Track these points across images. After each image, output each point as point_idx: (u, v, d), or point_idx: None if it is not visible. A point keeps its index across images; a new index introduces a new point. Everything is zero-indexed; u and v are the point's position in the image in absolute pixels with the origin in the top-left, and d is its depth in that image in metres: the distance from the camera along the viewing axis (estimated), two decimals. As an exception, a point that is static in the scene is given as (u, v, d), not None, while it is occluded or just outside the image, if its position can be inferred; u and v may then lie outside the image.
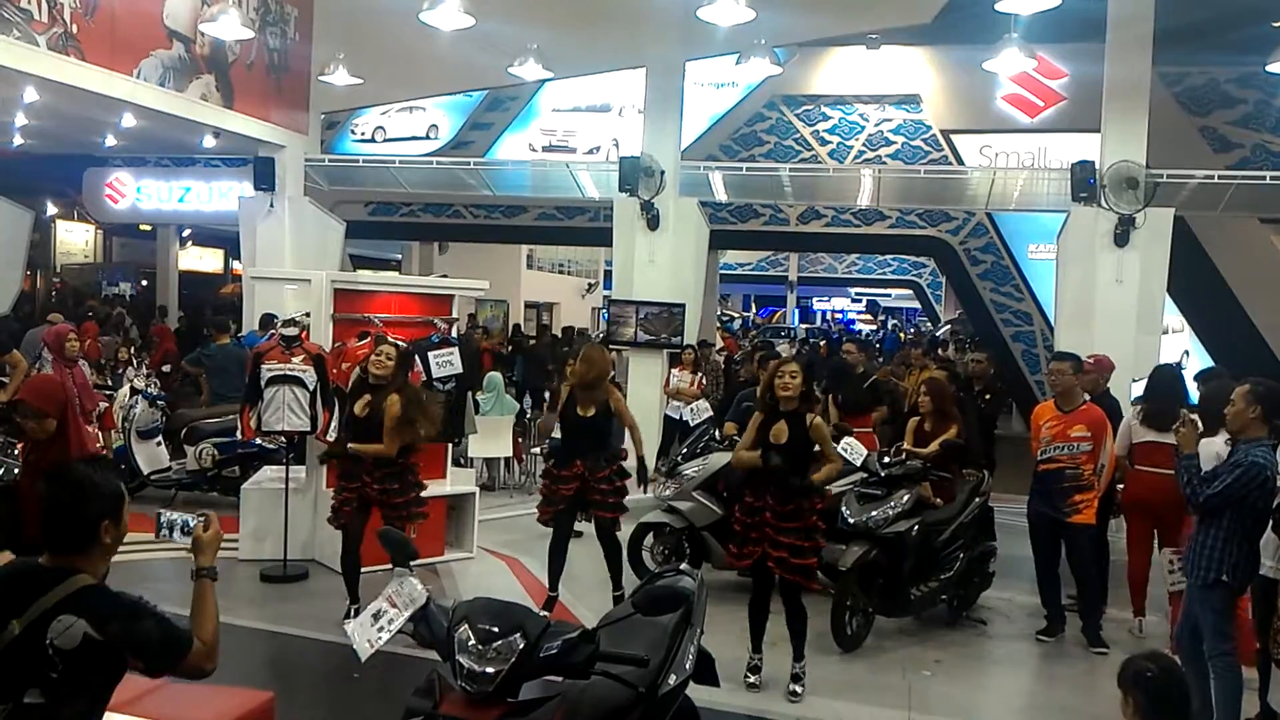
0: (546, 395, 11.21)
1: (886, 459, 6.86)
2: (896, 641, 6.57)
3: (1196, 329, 15.93)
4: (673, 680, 3.63)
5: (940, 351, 17.61)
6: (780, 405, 5.42)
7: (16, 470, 4.03)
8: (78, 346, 8.25)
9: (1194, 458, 5.01)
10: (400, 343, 6.92)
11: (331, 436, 7.50)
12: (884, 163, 16.66)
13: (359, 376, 6.56)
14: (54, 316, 12.22)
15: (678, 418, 10.81)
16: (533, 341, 19.18)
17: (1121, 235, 10.68)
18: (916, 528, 6.46)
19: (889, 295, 42.77)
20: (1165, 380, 6.96)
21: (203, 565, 2.90)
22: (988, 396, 8.54)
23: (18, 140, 16.25)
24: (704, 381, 11.50)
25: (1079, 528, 6.50)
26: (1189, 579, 5.09)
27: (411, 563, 3.46)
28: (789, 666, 5.67)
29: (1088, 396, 6.80)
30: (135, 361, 11.33)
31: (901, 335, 30.78)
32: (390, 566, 3.47)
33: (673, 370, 11.68)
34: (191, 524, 2.92)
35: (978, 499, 7.04)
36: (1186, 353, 15.86)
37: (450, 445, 8.38)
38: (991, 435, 8.39)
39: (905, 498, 6.54)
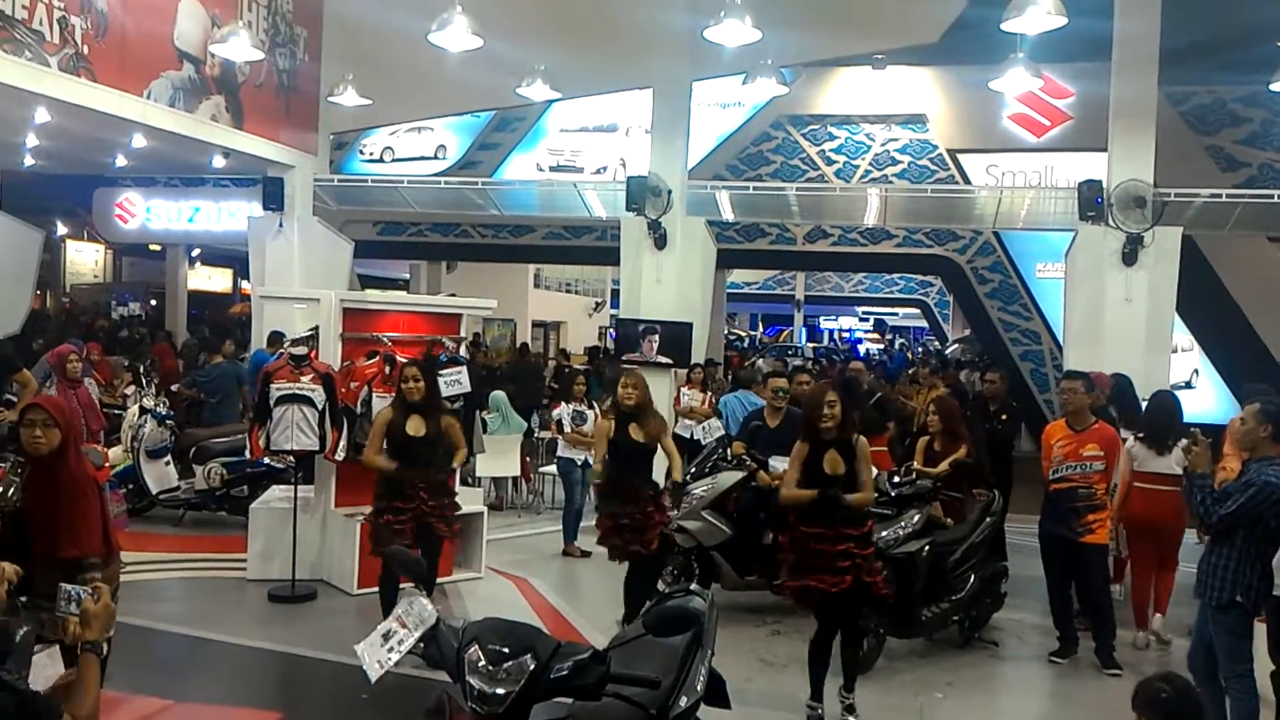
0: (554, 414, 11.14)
1: (896, 478, 6.83)
2: (908, 663, 6.52)
3: (1205, 348, 15.88)
4: (684, 702, 3.61)
5: (950, 371, 17.53)
6: (823, 435, 5.36)
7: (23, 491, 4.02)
8: (79, 367, 8.26)
9: (1206, 477, 4.98)
10: (404, 359, 6.97)
11: (340, 456, 7.51)
12: (890, 182, 16.68)
13: (397, 400, 6.49)
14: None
15: (689, 436, 10.75)
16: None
17: (1130, 254, 10.68)
18: (927, 548, 6.41)
19: (896, 314, 42.70)
20: (1160, 408, 7.05)
21: (88, 639, 2.81)
22: (1003, 417, 8.48)
23: (29, 160, 16.38)
24: (714, 400, 11.43)
25: (1092, 548, 6.45)
26: (1202, 600, 5.05)
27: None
28: (817, 692, 5.52)
29: None
30: (144, 381, 11.35)
31: (909, 355, 30.72)
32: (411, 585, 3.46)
33: (682, 389, 11.60)
34: (82, 596, 2.86)
35: (989, 519, 6.99)
36: (1196, 371, 15.82)
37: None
38: (1008, 456, 8.31)
39: (916, 518, 6.50)
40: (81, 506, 3.98)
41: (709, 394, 11.37)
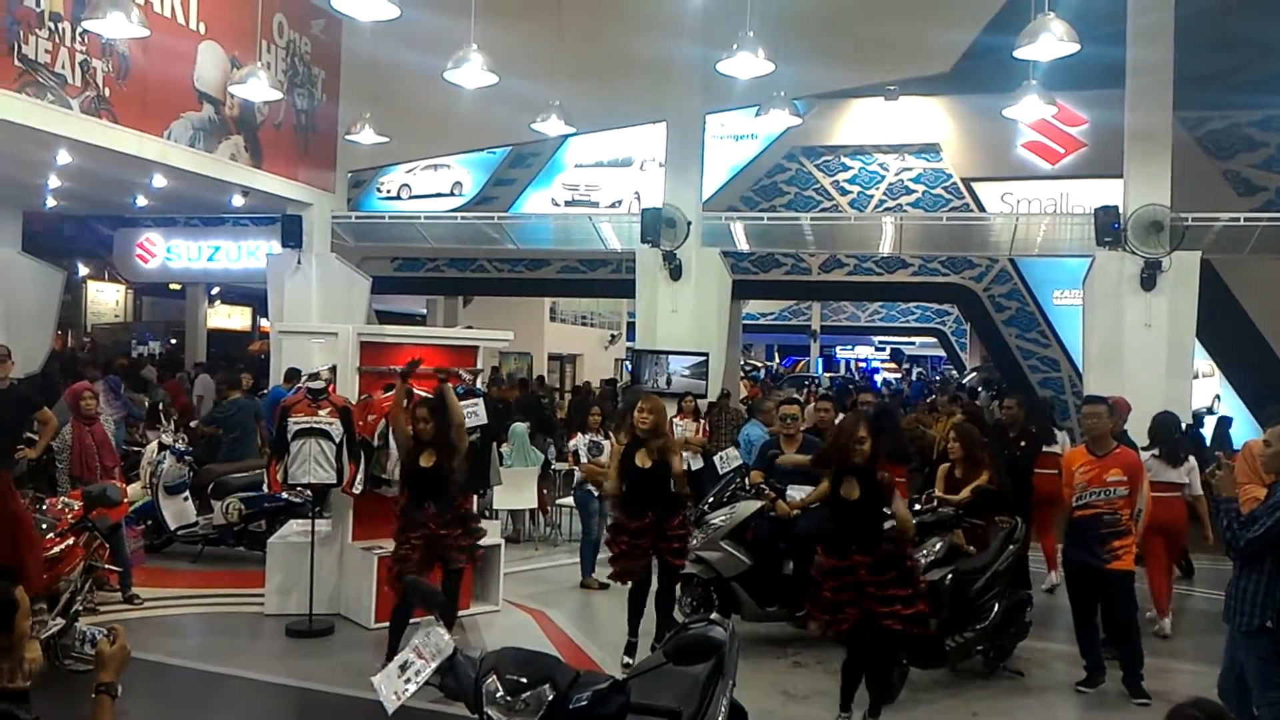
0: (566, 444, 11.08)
1: (918, 506, 6.76)
2: (932, 694, 6.42)
3: (1226, 373, 15.76)
4: (705, 733, 3.56)
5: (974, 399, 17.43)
6: (851, 467, 5.41)
7: None
8: (94, 404, 8.33)
9: (1233, 501, 4.90)
10: (421, 393, 6.99)
11: (358, 489, 7.50)
12: (905, 211, 16.70)
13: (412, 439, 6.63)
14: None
15: (685, 469, 10.58)
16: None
17: (1148, 279, 10.65)
18: (950, 576, 6.33)
19: (913, 343, 42.57)
20: (1167, 425, 7.84)
21: (102, 681, 2.80)
22: (1023, 444, 8.40)
23: (51, 202, 16.58)
24: (707, 429, 11.19)
25: (1119, 575, 6.33)
26: (1231, 626, 4.96)
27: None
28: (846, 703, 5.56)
29: None
30: (164, 417, 11.40)
31: (928, 383, 30.59)
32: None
33: (674, 419, 10.83)
34: (98, 638, 2.86)
35: (1012, 546, 6.89)
36: (1218, 397, 15.68)
37: (475, 497, 8.35)
38: (1028, 482, 8.22)
39: (938, 545, 6.43)
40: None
41: (702, 422, 11.14)
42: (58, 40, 8.96)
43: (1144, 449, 7.61)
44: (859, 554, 5.34)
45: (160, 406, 12.16)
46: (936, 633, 6.14)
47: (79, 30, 9.08)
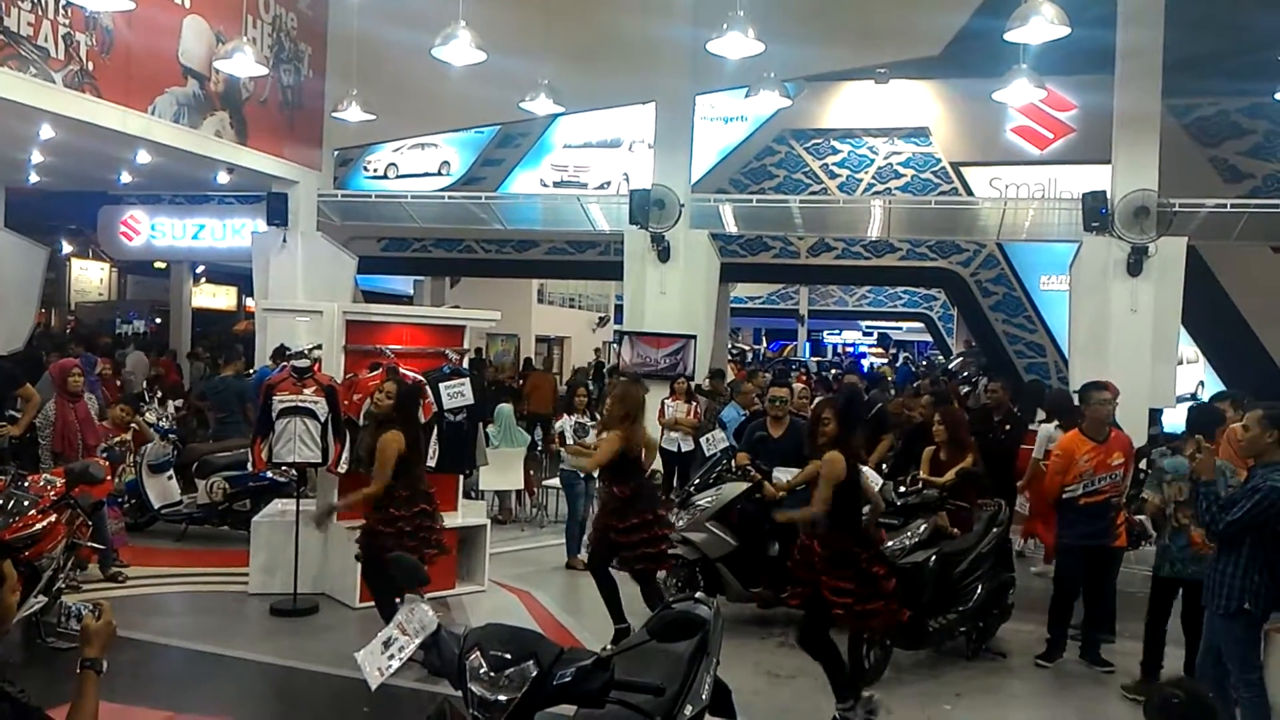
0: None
1: (902, 488, 6.78)
2: (915, 675, 6.46)
3: (1211, 359, 15.84)
4: (689, 711, 3.57)
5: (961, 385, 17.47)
6: (819, 449, 5.44)
7: None
8: (81, 381, 8.27)
9: (1213, 484, 4.95)
10: (410, 373, 6.96)
11: (343, 468, 7.49)
12: (893, 195, 16.68)
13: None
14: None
15: (676, 450, 10.61)
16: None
17: (1134, 264, 10.67)
18: (934, 558, 6.37)
19: (900, 328, 42.65)
20: (1067, 397, 8.58)
21: (87, 656, 2.76)
22: (1007, 427, 8.45)
23: (34, 177, 16.39)
24: (700, 411, 11.17)
25: (1120, 551, 6.80)
26: (1209, 608, 5.01)
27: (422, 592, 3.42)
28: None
29: None
30: (148, 396, 11.34)
31: (914, 368, 30.62)
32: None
33: (666, 400, 11.00)
34: (83, 613, 2.83)
35: (996, 529, 6.94)
36: (1202, 383, 15.77)
37: (461, 477, 8.34)
38: (1012, 465, 8.27)
39: (922, 527, 6.46)
40: None
41: (694, 404, 11.11)
42: (40, 13, 8.84)
43: (1042, 422, 8.29)
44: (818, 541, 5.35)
45: (144, 385, 12.09)
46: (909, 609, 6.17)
47: (62, 3, 8.96)
